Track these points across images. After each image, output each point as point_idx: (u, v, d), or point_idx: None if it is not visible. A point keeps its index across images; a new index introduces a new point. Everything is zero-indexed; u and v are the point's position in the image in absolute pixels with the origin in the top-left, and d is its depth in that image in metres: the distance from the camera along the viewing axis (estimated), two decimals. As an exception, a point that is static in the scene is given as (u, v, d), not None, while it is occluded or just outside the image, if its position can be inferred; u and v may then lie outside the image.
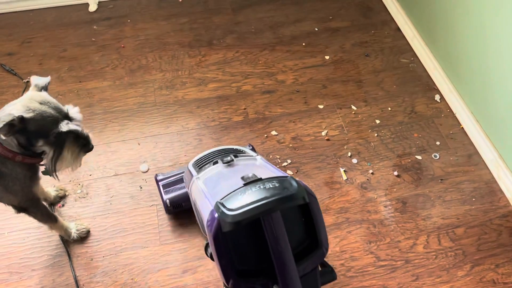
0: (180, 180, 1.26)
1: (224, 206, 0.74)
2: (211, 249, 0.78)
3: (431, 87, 1.60)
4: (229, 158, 0.95)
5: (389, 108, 1.55)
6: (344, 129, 1.50)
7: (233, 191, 0.77)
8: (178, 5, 1.89)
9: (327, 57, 1.70)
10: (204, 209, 0.85)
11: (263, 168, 0.92)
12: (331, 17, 1.84)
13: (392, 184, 1.36)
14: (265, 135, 1.48)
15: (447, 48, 1.53)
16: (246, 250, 0.80)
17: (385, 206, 1.31)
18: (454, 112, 1.52)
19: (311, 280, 0.82)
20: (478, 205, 1.31)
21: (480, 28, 1.34)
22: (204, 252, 1.05)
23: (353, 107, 1.55)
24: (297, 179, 0.80)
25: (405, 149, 1.44)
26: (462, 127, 1.49)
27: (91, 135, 0.95)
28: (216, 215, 0.75)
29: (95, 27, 1.79)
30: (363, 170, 1.39)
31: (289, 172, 1.38)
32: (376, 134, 1.48)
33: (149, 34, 1.78)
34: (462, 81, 1.48)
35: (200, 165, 1.01)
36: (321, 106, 1.56)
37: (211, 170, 0.95)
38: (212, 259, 0.82)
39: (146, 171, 1.37)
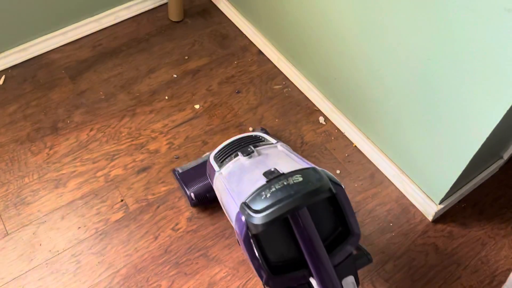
0: (201, 172, 1.23)
1: (250, 208, 0.74)
2: (242, 250, 0.81)
3: (312, 109, 1.51)
4: (249, 149, 0.94)
5: (279, 147, 1.42)
6: (241, 188, 1.33)
7: (257, 190, 0.76)
8: (-1, 90, 1.52)
9: (197, 106, 1.51)
10: (230, 207, 0.85)
11: (285, 158, 0.91)
12: (187, 57, 1.64)
13: (309, 236, 1.24)
14: (156, 227, 1.25)
15: (314, 65, 1.43)
16: (279, 244, 0.80)
17: (311, 266, 1.19)
18: (343, 132, 1.45)
19: (347, 267, 0.83)
20: (397, 228, 1.26)
21: (339, 38, 1.25)
22: None
23: (242, 158, 1.39)
24: (320, 168, 0.79)
25: (309, 190, 1.33)
26: (355, 146, 1.42)
27: None
28: (243, 218, 0.76)
29: None
30: (275, 231, 1.25)
31: (202, 262, 1.18)
32: (275, 182, 1.34)
33: (-30, 139, 1.40)
34: (339, 98, 1.41)
35: (221, 158, 1.01)
36: (208, 167, 1.37)
37: (232, 164, 0.95)
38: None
39: (19, 336, 1.06)
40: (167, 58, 1.63)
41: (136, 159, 1.38)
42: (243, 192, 0.80)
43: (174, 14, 1.71)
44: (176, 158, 1.39)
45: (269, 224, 0.72)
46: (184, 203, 1.29)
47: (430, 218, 1.26)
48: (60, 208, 1.27)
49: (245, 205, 0.75)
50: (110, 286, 1.15)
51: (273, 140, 1.04)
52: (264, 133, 1.24)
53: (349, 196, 1.31)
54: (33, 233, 1.22)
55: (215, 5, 1.78)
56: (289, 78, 1.58)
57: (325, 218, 0.82)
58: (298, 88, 1.55)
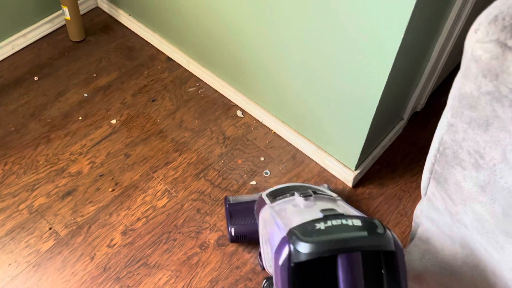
0: (251, 209, 1.17)
1: (299, 235, 0.66)
2: (275, 281, 0.68)
3: (229, 105, 1.56)
4: (308, 192, 0.90)
5: (203, 146, 1.45)
6: (172, 192, 1.35)
7: (311, 220, 0.69)
8: None
9: (113, 121, 1.50)
10: (274, 237, 0.75)
11: (345, 208, 0.87)
12: (95, 75, 1.62)
13: (245, 224, 1.29)
14: (91, 247, 1.23)
15: (222, 63, 1.49)
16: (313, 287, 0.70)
17: (249, 252, 1.24)
18: (261, 121, 1.51)
19: None
20: (323, 200, 1.34)
21: (237, 33, 1.32)
22: None
23: (168, 163, 1.41)
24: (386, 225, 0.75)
25: (238, 181, 1.38)
26: (274, 132, 1.49)
27: None
28: (287, 244, 0.66)
29: None
30: (206, 226, 1.28)
31: (143, 271, 1.18)
32: (204, 180, 1.38)
33: None
34: (251, 89, 1.47)
35: (275, 195, 0.98)
36: (135, 179, 1.37)
37: (287, 202, 0.90)
38: None
39: None
40: (75, 78, 1.60)
41: (59, 185, 1.35)
42: (293, 224, 0.71)
43: (74, 35, 1.68)
44: (100, 176, 1.37)
45: (316, 255, 0.63)
46: (116, 218, 1.28)
47: (350, 184, 1.36)
48: (-17, 250, 1.21)
49: (294, 231, 0.66)
50: (52, 317, 1.12)
51: (333, 194, 1.01)
52: (328, 189, 1.20)
53: (276, 179, 1.38)
54: (-42, 282, 1.16)
55: (116, 20, 1.78)
56: (202, 79, 1.62)
57: (374, 278, 0.69)
58: (212, 88, 1.60)
